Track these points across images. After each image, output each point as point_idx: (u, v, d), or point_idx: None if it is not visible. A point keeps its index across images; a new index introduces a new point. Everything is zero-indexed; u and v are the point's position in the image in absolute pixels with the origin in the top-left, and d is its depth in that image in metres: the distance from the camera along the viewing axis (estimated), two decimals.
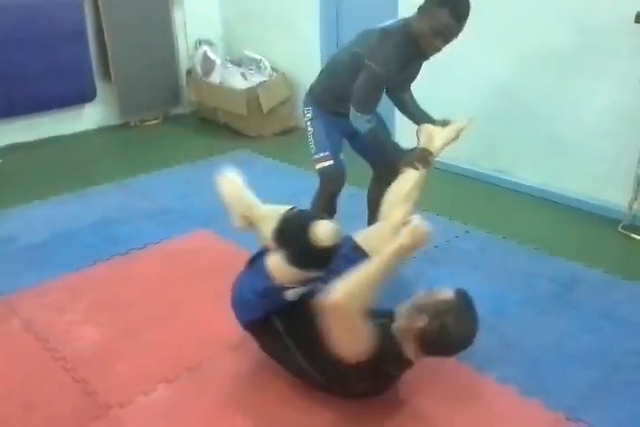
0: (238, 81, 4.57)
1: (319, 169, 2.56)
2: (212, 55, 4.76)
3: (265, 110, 4.55)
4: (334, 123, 2.55)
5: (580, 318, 2.40)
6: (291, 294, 1.83)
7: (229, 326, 2.11)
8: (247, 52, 4.82)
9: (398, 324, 1.83)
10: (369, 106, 2.35)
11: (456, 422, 1.90)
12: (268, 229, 1.91)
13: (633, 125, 3.05)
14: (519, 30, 3.40)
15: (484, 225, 3.17)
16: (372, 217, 2.78)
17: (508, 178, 3.67)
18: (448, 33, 2.19)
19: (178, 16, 5.04)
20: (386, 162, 2.52)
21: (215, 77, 4.72)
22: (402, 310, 1.84)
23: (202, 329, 2.31)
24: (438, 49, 2.27)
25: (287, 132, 4.78)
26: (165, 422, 1.90)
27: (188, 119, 5.21)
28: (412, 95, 2.63)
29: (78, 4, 4.47)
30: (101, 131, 4.92)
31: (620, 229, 3.12)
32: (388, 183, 2.37)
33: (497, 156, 3.74)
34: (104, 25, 4.62)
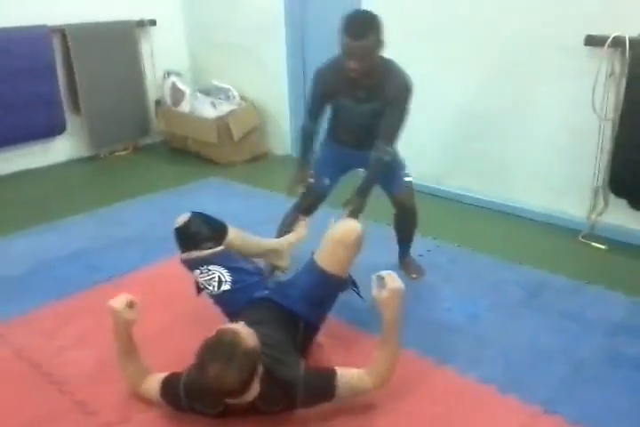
0: (208, 110, 4.70)
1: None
2: (180, 85, 4.90)
3: (235, 138, 4.69)
4: (336, 150, 2.78)
5: (546, 319, 2.57)
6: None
7: None
8: (215, 82, 4.96)
9: None
10: (306, 107, 2.72)
11: (442, 422, 2.01)
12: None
13: (585, 141, 3.27)
14: (476, 53, 3.63)
15: (454, 239, 3.33)
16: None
17: (473, 195, 3.87)
18: (351, 52, 2.35)
19: (145, 48, 5.17)
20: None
21: (185, 107, 4.85)
22: None
23: (191, 349, 2.37)
24: (353, 69, 2.39)
25: (257, 158, 4.92)
26: None
27: (158, 149, 5.31)
28: (377, 160, 2.56)
29: (47, 38, 4.57)
30: (72, 163, 4.98)
31: (580, 238, 3.33)
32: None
33: (460, 174, 3.94)
34: (73, 59, 4.72)
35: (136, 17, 5.01)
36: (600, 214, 3.34)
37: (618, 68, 3.06)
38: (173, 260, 3.11)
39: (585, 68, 3.16)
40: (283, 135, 4.99)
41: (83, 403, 2.11)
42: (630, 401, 2.07)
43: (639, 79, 2.97)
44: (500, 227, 3.55)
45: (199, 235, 2.35)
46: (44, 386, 2.21)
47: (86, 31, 4.78)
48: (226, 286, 2.27)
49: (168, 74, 5.06)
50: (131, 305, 2.08)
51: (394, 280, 2.02)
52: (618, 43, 2.98)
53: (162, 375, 2.07)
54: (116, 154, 5.16)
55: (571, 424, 1.96)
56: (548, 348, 2.37)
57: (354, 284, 2.33)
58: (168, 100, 4.97)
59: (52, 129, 4.79)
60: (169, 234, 3.47)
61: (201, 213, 2.44)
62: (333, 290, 2.25)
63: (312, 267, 2.23)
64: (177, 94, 4.89)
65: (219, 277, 2.29)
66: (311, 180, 2.77)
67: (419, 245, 3.26)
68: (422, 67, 3.87)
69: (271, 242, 2.66)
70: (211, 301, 2.37)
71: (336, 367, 2.01)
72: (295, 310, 2.19)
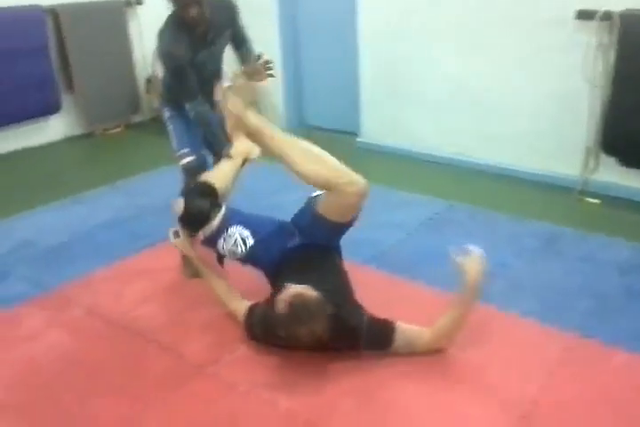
0: None
1: (182, 165, 2.72)
2: None
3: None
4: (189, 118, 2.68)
5: (565, 263, 2.89)
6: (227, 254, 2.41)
7: None
8: None
9: None
10: (183, 94, 2.58)
11: (493, 351, 2.29)
12: None
13: (575, 107, 3.60)
14: (470, 30, 3.90)
15: (464, 200, 3.62)
16: None
17: (472, 160, 4.17)
18: (188, 1, 2.39)
19: (133, 27, 5.22)
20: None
21: None
22: None
23: (255, 287, 2.48)
24: (197, 16, 2.45)
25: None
26: (259, 372, 2.17)
27: (150, 126, 5.37)
28: (246, 48, 2.86)
29: (41, 19, 4.58)
30: (68, 140, 5.03)
31: (575, 195, 3.67)
32: None
33: (459, 141, 4.22)
34: (65, 38, 4.76)
35: None
36: (591, 173, 3.69)
37: (606, 40, 3.37)
38: None
39: (575, 41, 3.46)
40: (276, 109, 5.17)
41: (170, 349, 2.30)
42: None
43: (628, 49, 3.29)
44: (502, 188, 3.86)
45: (203, 212, 2.38)
46: (128, 338, 2.38)
47: (78, 11, 4.82)
48: (250, 241, 2.35)
49: None
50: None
51: (475, 249, 2.19)
52: (607, 16, 3.30)
53: (248, 302, 2.33)
54: (110, 131, 5.22)
55: (608, 345, 2.28)
56: (572, 286, 2.68)
57: None
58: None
59: (48, 108, 4.82)
60: None
61: (189, 186, 2.51)
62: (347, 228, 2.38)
63: (317, 217, 2.27)
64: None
65: (239, 235, 2.36)
66: (191, 158, 2.70)
67: (433, 205, 3.55)
68: (415, 40, 4.16)
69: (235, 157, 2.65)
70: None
71: (397, 322, 2.17)
72: (332, 246, 2.40)
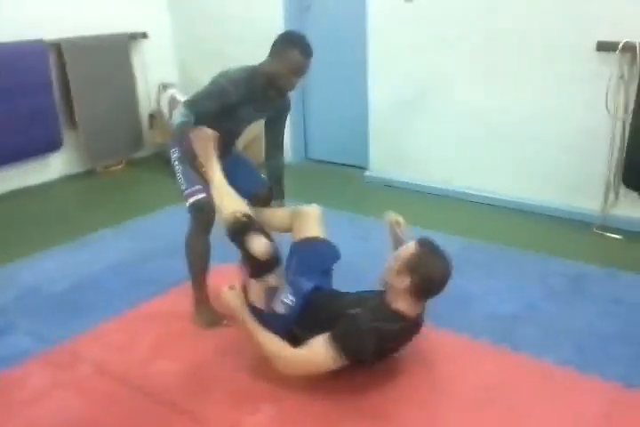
0: None
1: (192, 203, 2.54)
2: (180, 98, 4.89)
3: (240, 147, 4.72)
4: None
5: (596, 305, 2.75)
6: (279, 307, 2.24)
7: None
8: None
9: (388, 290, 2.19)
10: (194, 105, 2.44)
11: (531, 403, 2.14)
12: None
13: (598, 139, 3.51)
14: (486, 62, 3.85)
15: (480, 237, 3.50)
16: None
17: (486, 194, 4.06)
18: (302, 70, 2.48)
19: (137, 62, 5.16)
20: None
21: None
22: (384, 277, 2.20)
23: None
24: (294, 86, 2.51)
25: (259, 167, 4.97)
26: None
27: (152, 162, 5.26)
28: (279, 163, 2.96)
29: (44, 53, 4.50)
30: (69, 179, 4.91)
31: (594, 230, 3.56)
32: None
33: (474, 175, 4.12)
34: (69, 73, 4.66)
35: (127, 29, 5.00)
36: (611, 207, 3.58)
37: (627, 72, 3.30)
38: (219, 268, 3.18)
39: (596, 72, 3.39)
40: None
41: (187, 412, 2.13)
42: None
43: None
44: (520, 224, 3.75)
45: (276, 251, 2.26)
46: (141, 399, 2.20)
47: (81, 45, 4.73)
48: (290, 296, 2.26)
49: (164, 86, 5.05)
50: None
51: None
52: (628, 48, 3.23)
53: (318, 339, 2.10)
54: (111, 168, 5.11)
55: None
56: (607, 331, 2.54)
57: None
58: (166, 113, 4.96)
59: (50, 145, 4.71)
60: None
61: (243, 224, 2.26)
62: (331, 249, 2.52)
63: (301, 246, 2.49)
64: (176, 107, 4.88)
65: (289, 285, 2.30)
66: (204, 195, 2.51)
67: (449, 243, 3.38)
68: (427, 74, 4.09)
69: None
70: None
71: None
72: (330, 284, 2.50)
